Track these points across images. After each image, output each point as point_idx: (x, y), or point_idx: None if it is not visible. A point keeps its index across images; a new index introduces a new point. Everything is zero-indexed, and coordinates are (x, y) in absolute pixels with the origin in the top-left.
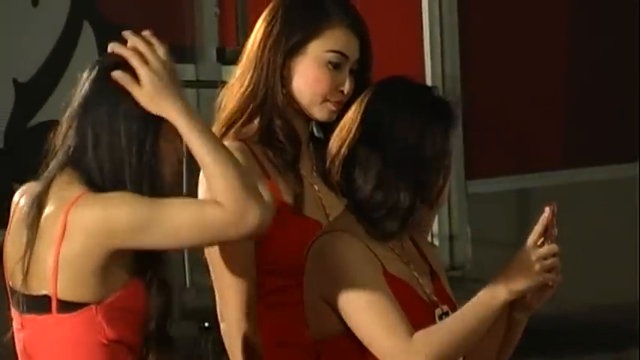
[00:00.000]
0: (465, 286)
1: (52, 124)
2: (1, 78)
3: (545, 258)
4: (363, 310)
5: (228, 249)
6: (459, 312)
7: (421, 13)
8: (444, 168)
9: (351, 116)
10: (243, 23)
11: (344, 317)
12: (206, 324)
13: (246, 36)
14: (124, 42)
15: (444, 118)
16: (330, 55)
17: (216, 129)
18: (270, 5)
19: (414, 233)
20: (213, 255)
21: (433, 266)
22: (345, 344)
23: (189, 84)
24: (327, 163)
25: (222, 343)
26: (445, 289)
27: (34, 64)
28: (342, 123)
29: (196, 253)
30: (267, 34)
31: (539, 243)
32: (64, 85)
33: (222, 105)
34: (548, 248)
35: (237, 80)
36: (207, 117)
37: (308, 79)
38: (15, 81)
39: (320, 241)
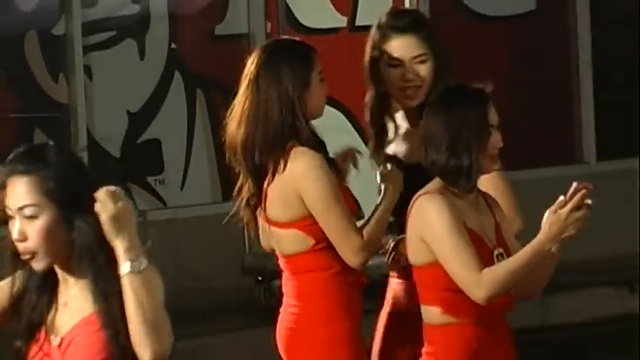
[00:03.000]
0: None
1: (154, 142)
2: (119, 109)
3: (580, 217)
4: (448, 250)
5: None
6: (515, 256)
7: None
8: (486, 134)
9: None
10: None
11: (434, 252)
12: (260, 278)
13: None
14: None
15: (479, 103)
16: None
17: None
18: None
19: (488, 197)
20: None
21: (497, 218)
22: (433, 269)
23: None
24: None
25: (272, 291)
26: (503, 237)
27: (141, 100)
28: (421, 124)
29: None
30: None
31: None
32: (162, 114)
33: None
34: (581, 212)
35: None
36: None
37: None
38: (128, 111)
39: (420, 199)
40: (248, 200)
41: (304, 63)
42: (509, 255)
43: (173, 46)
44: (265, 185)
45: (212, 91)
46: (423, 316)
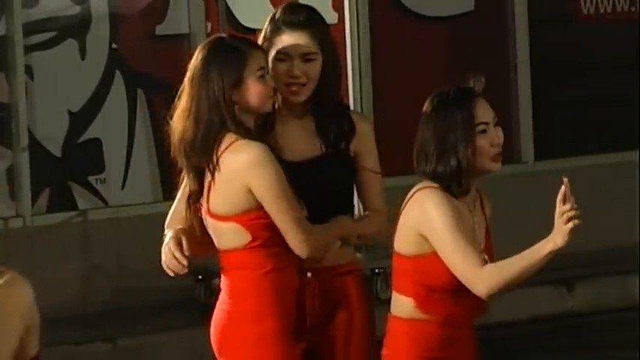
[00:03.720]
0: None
1: (95, 142)
2: (60, 109)
3: (562, 215)
4: (449, 245)
5: None
6: (519, 256)
7: (345, 56)
8: (472, 132)
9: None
10: None
11: (434, 246)
12: (200, 276)
13: None
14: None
15: (465, 101)
16: None
17: None
18: None
19: (484, 198)
20: None
21: (488, 222)
22: (419, 261)
23: None
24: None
25: (212, 289)
26: (491, 242)
27: (82, 99)
28: None
29: None
30: None
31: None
32: (103, 114)
33: None
34: (565, 206)
35: None
36: None
37: None
38: (69, 111)
39: (421, 192)
40: (189, 197)
41: (235, 61)
42: (491, 261)
43: (114, 46)
44: (207, 180)
45: (153, 91)
46: (393, 306)
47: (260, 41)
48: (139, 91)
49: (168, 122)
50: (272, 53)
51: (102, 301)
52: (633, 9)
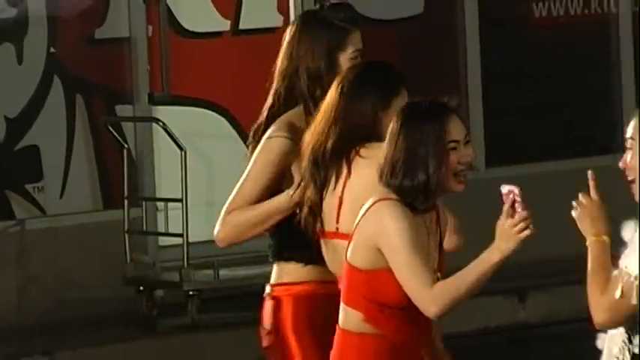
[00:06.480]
0: None
1: (32, 148)
2: None
3: (516, 225)
4: (404, 263)
5: None
6: (465, 269)
7: None
8: (444, 149)
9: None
10: (166, 76)
11: (388, 261)
12: (141, 288)
13: (170, 85)
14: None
15: (438, 117)
16: None
17: None
18: None
19: (440, 213)
20: None
21: (442, 236)
22: (371, 277)
23: (128, 119)
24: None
25: (154, 301)
26: (444, 258)
27: (19, 105)
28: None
29: (137, 237)
30: None
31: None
32: (41, 120)
33: None
34: (518, 216)
35: None
36: (142, 143)
37: None
38: (5, 117)
39: (379, 205)
40: (310, 210)
41: (391, 84)
42: (444, 278)
43: (52, 50)
44: (335, 196)
45: (92, 96)
46: (342, 319)
47: (325, 48)
48: (78, 96)
49: (108, 128)
50: (347, 55)
51: (39, 313)
52: (586, 12)
